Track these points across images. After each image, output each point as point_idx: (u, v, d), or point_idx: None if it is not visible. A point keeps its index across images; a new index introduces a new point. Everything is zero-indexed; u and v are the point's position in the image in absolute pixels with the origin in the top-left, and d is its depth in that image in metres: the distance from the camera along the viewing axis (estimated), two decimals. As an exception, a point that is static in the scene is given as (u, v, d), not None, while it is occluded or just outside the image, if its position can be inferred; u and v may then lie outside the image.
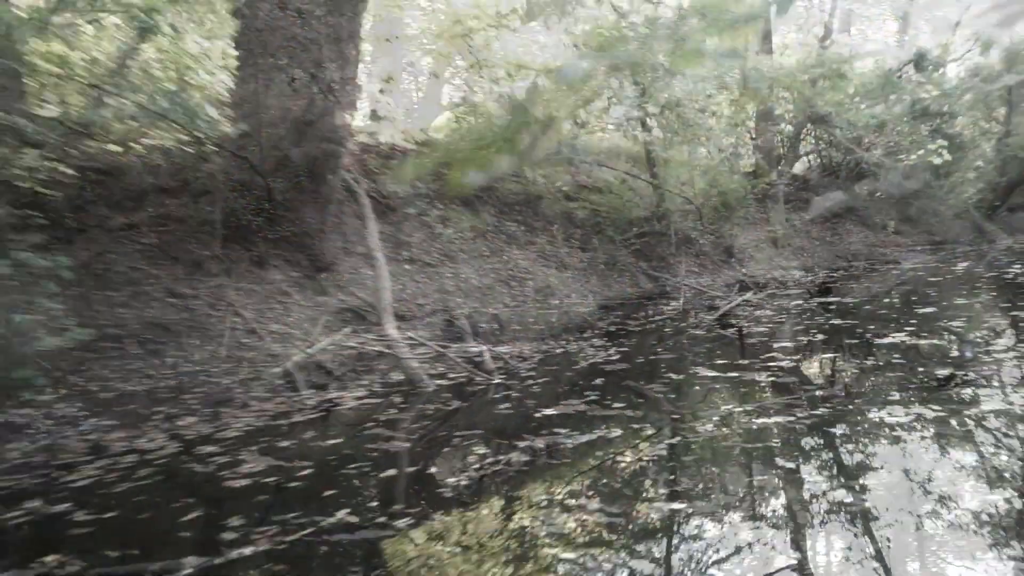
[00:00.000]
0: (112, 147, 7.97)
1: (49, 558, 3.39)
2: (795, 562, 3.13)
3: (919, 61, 16.18)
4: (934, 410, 4.91)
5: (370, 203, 8.66)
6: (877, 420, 4.81)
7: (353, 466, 4.41)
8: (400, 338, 6.78)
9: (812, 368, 6.77)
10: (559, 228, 10.55)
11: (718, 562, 3.15)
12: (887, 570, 3.01)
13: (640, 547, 3.36)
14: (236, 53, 7.15)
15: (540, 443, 4.39)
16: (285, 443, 5.02)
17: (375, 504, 3.73)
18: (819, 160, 18.44)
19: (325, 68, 6.56)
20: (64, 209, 7.02)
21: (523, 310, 8.80)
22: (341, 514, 3.57)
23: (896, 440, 4.45)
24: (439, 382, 6.64)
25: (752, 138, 15.91)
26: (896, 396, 5.31)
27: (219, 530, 3.46)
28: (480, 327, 8.14)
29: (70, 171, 6.67)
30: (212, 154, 8.54)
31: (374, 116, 12.33)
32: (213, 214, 7.88)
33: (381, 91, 12.69)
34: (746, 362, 6.94)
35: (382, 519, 3.59)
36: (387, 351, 6.74)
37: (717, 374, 6.35)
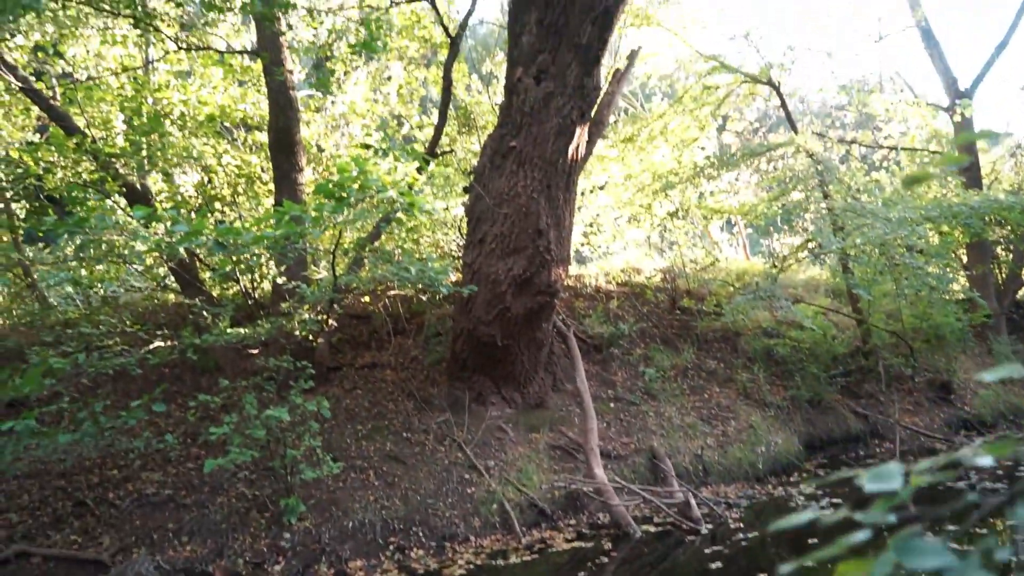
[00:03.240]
0: (364, 299, 8.90)
1: None
2: None
3: None
4: None
5: (577, 344, 8.78)
6: None
7: (569, 623, 4.24)
8: (607, 481, 6.62)
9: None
10: (759, 365, 9.98)
11: None
12: None
13: None
14: (467, 219, 7.78)
15: (759, 618, 3.97)
16: (504, 589, 4.97)
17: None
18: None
19: (543, 232, 6.91)
20: (324, 351, 7.83)
21: (725, 449, 8.29)
22: None
23: None
24: (645, 527, 6.33)
25: (965, 267, 14.32)
26: None
27: None
28: (683, 467, 7.74)
29: (332, 322, 7.48)
30: (443, 302, 9.23)
31: (579, 259, 12.74)
32: (443, 355, 8.39)
33: (585, 234, 13.09)
34: (985, 531, 5.92)
35: None
36: (596, 496, 6.59)
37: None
